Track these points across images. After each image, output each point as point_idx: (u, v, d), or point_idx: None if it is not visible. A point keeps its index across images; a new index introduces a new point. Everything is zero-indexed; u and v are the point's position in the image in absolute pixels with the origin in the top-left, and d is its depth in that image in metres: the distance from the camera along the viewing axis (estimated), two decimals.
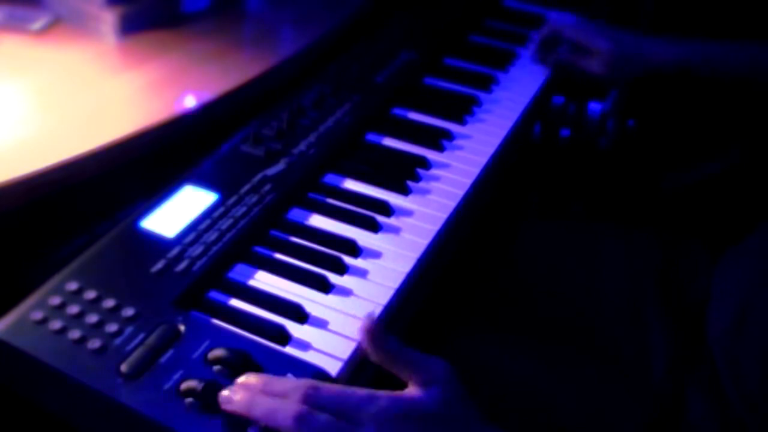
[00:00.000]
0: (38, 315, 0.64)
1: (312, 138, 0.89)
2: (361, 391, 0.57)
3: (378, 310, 0.70)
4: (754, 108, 1.19)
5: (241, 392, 0.57)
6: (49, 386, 0.63)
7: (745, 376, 0.73)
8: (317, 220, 0.81)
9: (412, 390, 0.59)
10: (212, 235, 0.74)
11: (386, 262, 0.76)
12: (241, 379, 0.59)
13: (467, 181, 0.88)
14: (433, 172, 0.90)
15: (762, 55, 1.06)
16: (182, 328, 0.64)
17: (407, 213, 0.83)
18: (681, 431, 0.78)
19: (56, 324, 0.63)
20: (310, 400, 0.56)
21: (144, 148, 0.85)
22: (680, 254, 0.96)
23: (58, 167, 0.77)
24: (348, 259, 0.76)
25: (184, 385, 0.59)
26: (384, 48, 1.09)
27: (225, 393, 0.58)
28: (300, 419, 0.55)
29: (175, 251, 0.72)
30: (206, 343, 0.63)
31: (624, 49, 1.09)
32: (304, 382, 0.58)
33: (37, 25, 1.03)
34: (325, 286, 0.72)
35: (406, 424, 0.56)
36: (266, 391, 0.57)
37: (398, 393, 0.59)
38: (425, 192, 0.86)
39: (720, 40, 1.08)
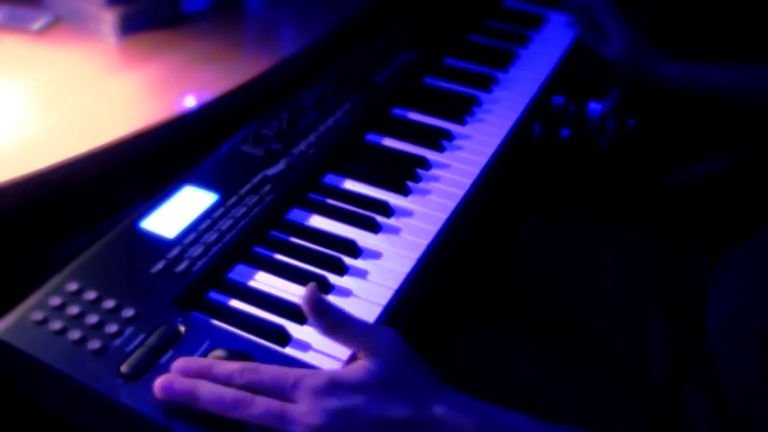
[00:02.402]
0: (38, 315, 0.64)
1: (312, 138, 0.89)
2: (300, 370, 0.58)
3: (378, 311, 0.70)
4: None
5: (181, 380, 0.57)
6: (49, 386, 0.63)
7: (744, 376, 0.73)
8: (317, 221, 0.81)
9: (355, 363, 0.59)
10: (212, 236, 0.74)
11: (386, 262, 0.76)
12: (179, 364, 0.59)
13: (467, 182, 0.88)
14: (433, 172, 0.90)
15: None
16: (182, 328, 0.64)
17: (407, 213, 0.83)
18: (681, 431, 0.78)
19: (56, 324, 0.63)
20: (251, 383, 0.57)
21: (144, 148, 0.85)
22: (680, 254, 0.96)
23: (58, 167, 0.77)
24: (348, 260, 0.76)
25: None
26: (384, 48, 1.09)
27: (162, 381, 0.58)
28: (242, 405, 0.55)
29: (175, 252, 0.72)
30: (206, 344, 0.63)
31: (631, 53, 1.12)
32: (245, 364, 0.58)
33: (37, 25, 1.03)
34: (324, 287, 0.72)
35: (339, 397, 0.56)
36: (209, 377, 0.58)
37: (337, 369, 0.60)
38: (425, 192, 0.86)
39: (724, 63, 1.09)
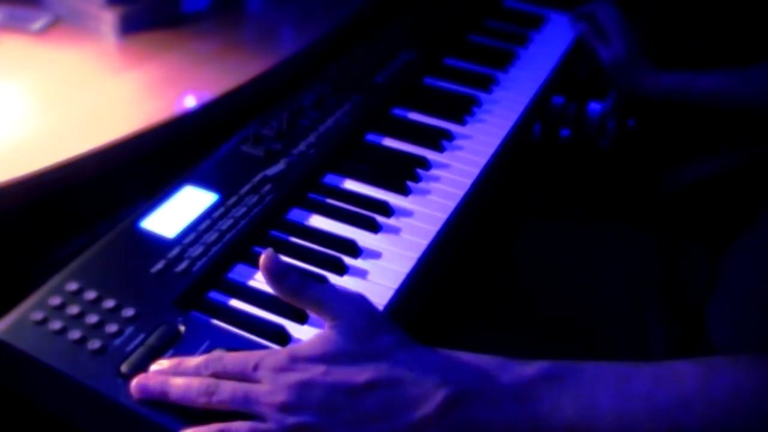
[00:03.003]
0: (38, 315, 0.64)
1: (312, 138, 0.89)
2: (261, 351, 0.59)
3: None
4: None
5: (153, 378, 0.59)
6: (49, 386, 0.63)
7: None
8: (317, 221, 0.81)
9: (314, 334, 0.60)
10: (212, 236, 0.74)
11: (386, 262, 0.76)
12: (155, 366, 0.60)
13: (467, 182, 0.88)
14: (433, 172, 0.90)
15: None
16: (182, 328, 0.64)
17: (407, 213, 0.83)
18: None
19: (56, 324, 0.63)
20: (217, 370, 0.58)
21: (144, 148, 0.85)
22: (680, 254, 0.96)
23: (58, 167, 0.77)
24: (348, 260, 0.76)
25: None
26: (384, 48, 1.09)
27: (136, 382, 0.58)
28: (208, 392, 0.56)
29: (175, 251, 0.72)
30: (206, 344, 0.63)
31: (628, 60, 1.15)
32: (210, 355, 0.59)
33: (37, 25, 1.03)
34: None
35: (299, 370, 0.56)
36: (178, 372, 0.59)
37: (299, 343, 0.59)
38: (425, 192, 0.86)
39: (716, 70, 1.11)
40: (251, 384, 0.57)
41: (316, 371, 0.56)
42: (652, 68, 1.14)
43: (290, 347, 0.59)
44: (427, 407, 0.54)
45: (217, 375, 0.58)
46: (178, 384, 0.58)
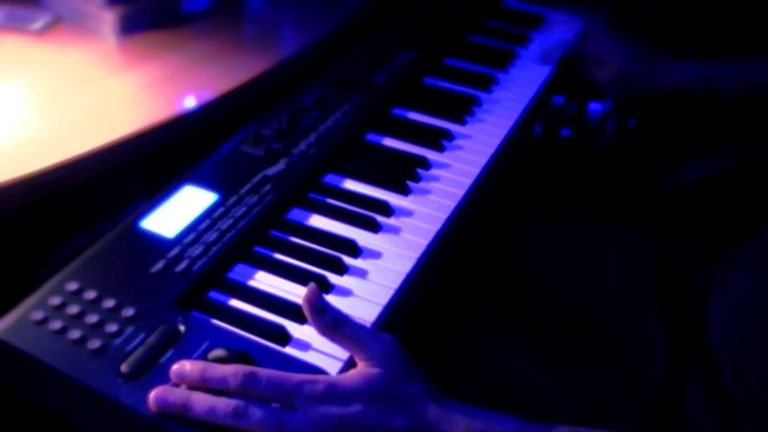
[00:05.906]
0: (38, 315, 0.64)
1: (312, 138, 0.89)
2: (298, 376, 0.58)
3: (378, 311, 0.70)
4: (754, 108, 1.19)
5: (174, 392, 0.58)
6: (49, 386, 0.63)
7: (746, 374, 0.73)
8: (317, 220, 0.81)
9: (353, 371, 0.60)
10: (212, 235, 0.74)
11: (386, 262, 0.76)
12: (176, 367, 0.59)
13: (467, 181, 0.88)
14: (433, 172, 0.90)
15: None
16: (182, 328, 0.64)
17: (407, 213, 0.83)
18: (680, 430, 0.78)
19: (56, 324, 0.63)
20: (248, 388, 0.57)
21: (144, 148, 0.85)
22: (680, 254, 0.96)
23: (58, 167, 0.77)
24: (348, 260, 0.76)
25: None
26: (384, 48, 1.09)
27: (155, 394, 0.57)
28: (237, 414, 0.56)
29: (175, 251, 0.72)
30: (206, 344, 0.63)
31: (636, 66, 1.10)
32: (241, 370, 0.58)
33: (37, 25, 1.03)
34: (324, 287, 0.72)
35: (337, 405, 0.56)
36: (204, 380, 0.58)
37: (338, 376, 0.60)
38: (425, 192, 0.86)
39: (733, 62, 1.09)
40: (284, 411, 0.56)
41: (354, 409, 0.56)
42: (666, 61, 1.11)
43: (330, 378, 0.59)
44: None
45: (247, 391, 0.57)
46: (202, 400, 0.57)
